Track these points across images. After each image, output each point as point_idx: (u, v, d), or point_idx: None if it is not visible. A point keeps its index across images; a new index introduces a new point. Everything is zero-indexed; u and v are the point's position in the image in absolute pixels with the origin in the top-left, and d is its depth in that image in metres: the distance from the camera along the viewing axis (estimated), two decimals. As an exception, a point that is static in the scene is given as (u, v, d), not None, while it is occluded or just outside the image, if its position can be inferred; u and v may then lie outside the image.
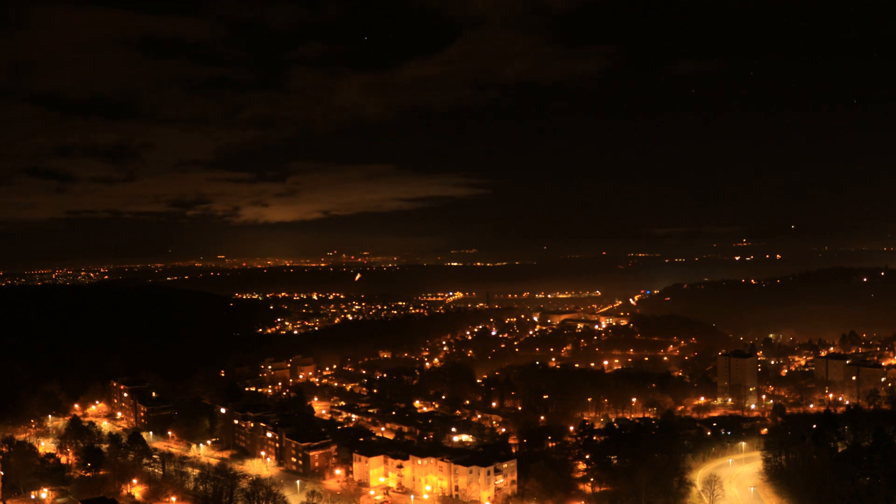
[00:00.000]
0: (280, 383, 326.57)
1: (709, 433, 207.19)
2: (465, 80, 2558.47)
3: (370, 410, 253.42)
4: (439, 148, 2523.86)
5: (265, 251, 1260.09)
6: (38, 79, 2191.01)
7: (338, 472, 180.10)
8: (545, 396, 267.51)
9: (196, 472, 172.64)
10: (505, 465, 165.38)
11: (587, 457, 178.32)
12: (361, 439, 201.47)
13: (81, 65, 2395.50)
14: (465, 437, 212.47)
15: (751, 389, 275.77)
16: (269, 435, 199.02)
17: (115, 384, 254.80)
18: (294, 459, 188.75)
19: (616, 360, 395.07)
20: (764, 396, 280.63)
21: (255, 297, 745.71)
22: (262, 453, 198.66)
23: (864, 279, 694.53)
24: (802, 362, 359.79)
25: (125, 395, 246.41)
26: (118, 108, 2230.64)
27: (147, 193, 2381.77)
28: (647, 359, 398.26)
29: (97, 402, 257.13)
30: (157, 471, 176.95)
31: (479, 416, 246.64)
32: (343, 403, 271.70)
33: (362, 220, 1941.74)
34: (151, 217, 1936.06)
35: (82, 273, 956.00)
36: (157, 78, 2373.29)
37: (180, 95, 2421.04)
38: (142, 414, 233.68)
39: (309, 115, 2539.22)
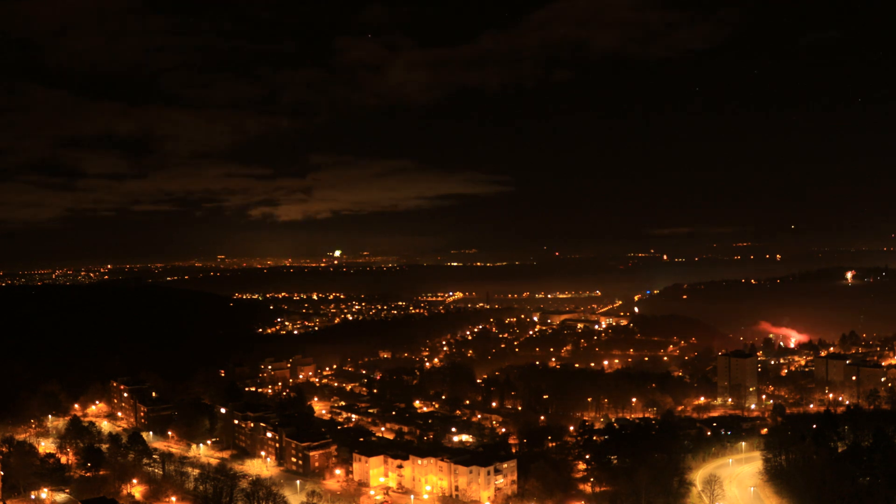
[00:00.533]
0: (280, 383, 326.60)
1: (709, 433, 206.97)
2: (540, 56, 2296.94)
3: (370, 410, 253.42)
4: (468, 141, 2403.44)
5: (265, 251, 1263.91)
6: (46, 58, 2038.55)
7: (338, 472, 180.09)
8: (545, 396, 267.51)
9: (196, 472, 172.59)
10: (505, 465, 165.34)
11: (587, 457, 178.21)
12: (361, 439, 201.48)
13: (94, 37, 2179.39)
14: (465, 437, 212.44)
15: (751, 389, 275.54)
16: (269, 435, 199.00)
17: (115, 384, 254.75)
18: (294, 459, 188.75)
19: (616, 360, 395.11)
20: (764, 396, 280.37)
21: (255, 297, 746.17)
22: (262, 453, 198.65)
23: (865, 279, 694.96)
24: (802, 362, 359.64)
25: (125, 395, 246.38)
26: (137, 90, 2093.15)
27: (158, 190, 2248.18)
28: (647, 359, 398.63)
29: (97, 402, 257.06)
30: (157, 471, 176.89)
31: (479, 416, 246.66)
32: (343, 403, 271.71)
33: (371, 219, 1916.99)
34: (158, 216, 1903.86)
35: (82, 273, 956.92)
36: (184, 53, 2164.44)
37: (209, 75, 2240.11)
38: (142, 414, 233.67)
39: (348, 100, 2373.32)
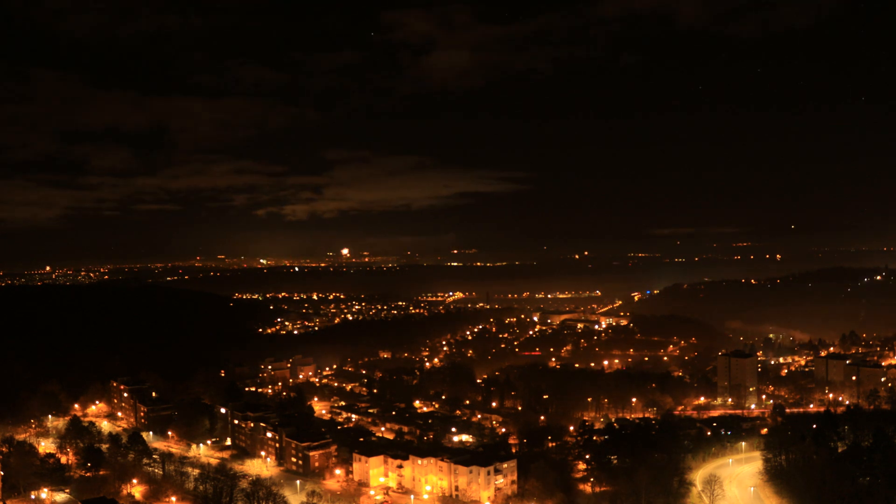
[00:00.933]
0: (280, 383, 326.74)
1: (709, 433, 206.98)
2: (610, 34, 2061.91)
3: (370, 410, 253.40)
4: (494, 136, 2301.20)
5: (265, 251, 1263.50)
6: (51, 40, 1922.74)
7: (338, 472, 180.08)
8: (545, 396, 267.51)
9: (196, 472, 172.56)
10: (505, 465, 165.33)
11: (587, 457, 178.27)
12: (361, 439, 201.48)
13: (102, 17, 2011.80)
14: (465, 437, 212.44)
15: (751, 389, 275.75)
16: (269, 435, 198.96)
17: (115, 384, 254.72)
18: (294, 459, 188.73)
19: (616, 360, 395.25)
20: (764, 396, 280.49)
21: (255, 297, 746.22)
22: (262, 453, 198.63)
23: (865, 279, 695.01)
24: (802, 362, 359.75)
25: (125, 395, 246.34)
26: (149, 77, 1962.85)
27: (163, 189, 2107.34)
28: (647, 359, 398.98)
29: (97, 402, 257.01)
30: (157, 471, 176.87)
31: (479, 416, 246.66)
32: (343, 403, 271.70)
33: (376, 219, 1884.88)
34: (161, 216, 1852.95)
35: (82, 273, 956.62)
36: (204, 35, 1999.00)
37: (231, 60, 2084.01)
38: (142, 414, 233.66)
39: (381, 88, 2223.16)
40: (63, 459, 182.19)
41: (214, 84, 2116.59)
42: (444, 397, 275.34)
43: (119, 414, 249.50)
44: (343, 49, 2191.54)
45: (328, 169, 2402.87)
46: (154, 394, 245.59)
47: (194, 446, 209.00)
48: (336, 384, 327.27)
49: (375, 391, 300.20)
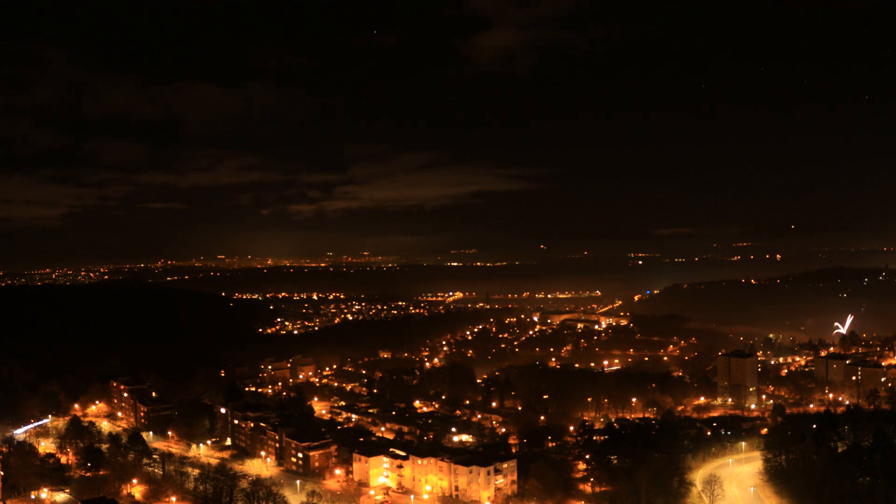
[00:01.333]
0: (280, 383, 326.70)
1: (709, 433, 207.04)
2: (684, 11, 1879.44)
3: (370, 410, 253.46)
4: (521, 129, 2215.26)
5: (265, 251, 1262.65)
6: (55, 15, 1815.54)
7: (338, 472, 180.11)
8: (545, 396, 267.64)
9: (196, 472, 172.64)
10: (505, 465, 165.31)
11: (587, 457, 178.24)
12: (361, 439, 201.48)
13: None
14: (465, 437, 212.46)
15: (751, 389, 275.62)
16: (269, 435, 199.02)
17: (115, 384, 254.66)
18: (294, 459, 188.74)
19: (616, 360, 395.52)
20: (764, 396, 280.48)
21: (255, 297, 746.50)
22: (262, 453, 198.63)
23: (865, 279, 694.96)
24: (802, 362, 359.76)
25: (125, 395, 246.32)
26: (158, 62, 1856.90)
27: (168, 187, 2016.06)
28: (647, 359, 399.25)
29: (97, 402, 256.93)
30: (157, 471, 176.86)
31: (479, 416, 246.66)
32: (343, 403, 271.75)
33: (379, 219, 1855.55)
34: (165, 215, 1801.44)
35: (82, 273, 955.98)
36: (224, 12, 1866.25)
37: (258, 42, 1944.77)
38: (142, 414, 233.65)
39: (418, 77, 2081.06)
40: (63, 459, 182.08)
41: (232, 70, 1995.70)
42: (444, 397, 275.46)
43: (119, 414, 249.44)
44: (383, 31, 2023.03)
45: (345, 165, 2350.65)
46: (154, 394, 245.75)
47: (194, 446, 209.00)
48: (336, 384, 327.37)
49: (375, 391, 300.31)
